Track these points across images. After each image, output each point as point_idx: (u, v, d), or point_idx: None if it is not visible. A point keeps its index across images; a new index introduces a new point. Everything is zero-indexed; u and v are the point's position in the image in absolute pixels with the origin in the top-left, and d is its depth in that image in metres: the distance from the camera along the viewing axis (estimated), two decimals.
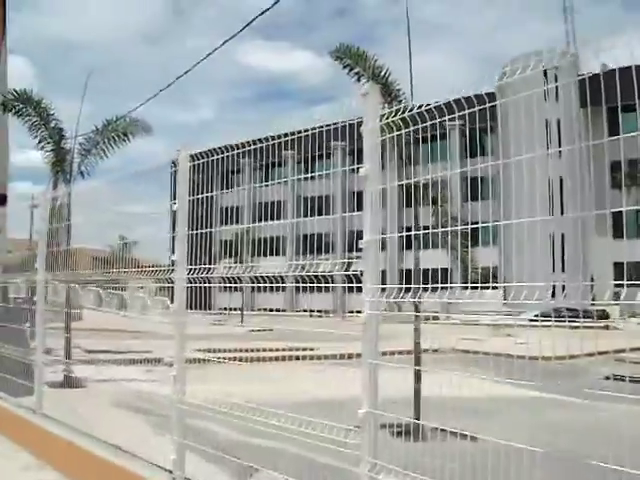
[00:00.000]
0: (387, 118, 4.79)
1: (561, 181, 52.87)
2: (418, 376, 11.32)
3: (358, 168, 4.56)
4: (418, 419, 11.84)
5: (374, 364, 4.47)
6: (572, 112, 54.12)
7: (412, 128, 4.88)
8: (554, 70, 53.78)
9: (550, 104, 53.37)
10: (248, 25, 15.62)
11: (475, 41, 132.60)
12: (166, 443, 5.88)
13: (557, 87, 53.77)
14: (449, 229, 14.41)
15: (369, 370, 4.46)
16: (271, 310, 55.87)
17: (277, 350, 20.28)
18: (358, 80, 12.91)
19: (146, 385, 5.95)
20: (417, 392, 11.03)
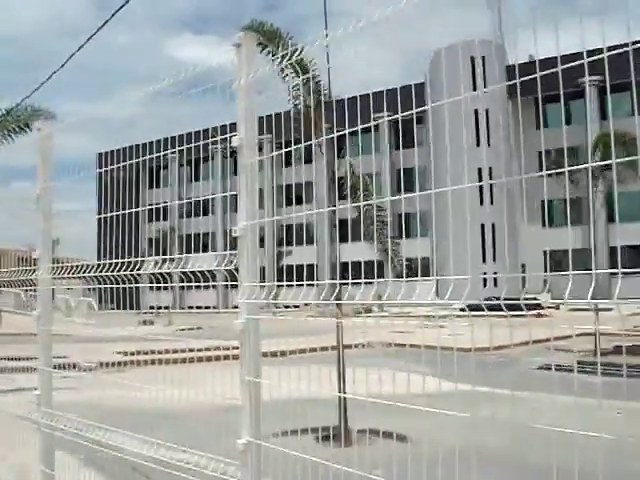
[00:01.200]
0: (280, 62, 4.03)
1: (490, 171, 53.82)
2: (342, 375, 10.60)
3: (231, 138, 3.83)
4: (345, 421, 11.69)
5: (254, 383, 3.61)
6: (500, 102, 55.12)
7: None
8: (482, 60, 54.71)
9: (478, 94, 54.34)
10: (115, 14, 14.89)
11: (401, 32, 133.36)
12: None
13: (485, 77, 54.66)
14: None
15: (249, 390, 3.61)
16: (199, 307, 55.41)
17: (201, 350, 20.11)
18: (273, 60, 12.20)
19: (55, 394, 5.66)
20: (342, 392, 10.25)
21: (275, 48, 11.11)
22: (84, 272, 5.09)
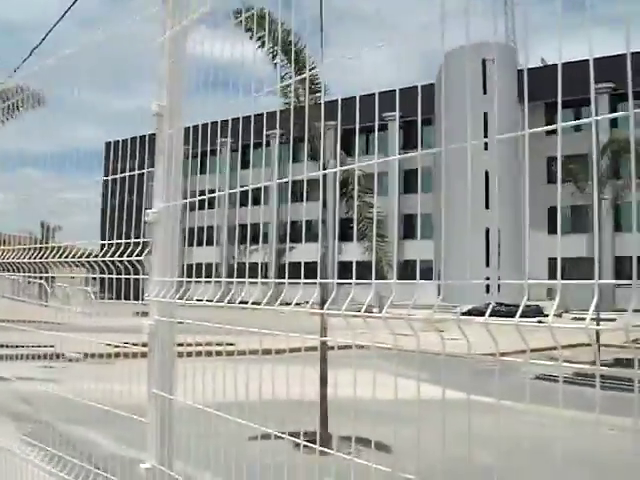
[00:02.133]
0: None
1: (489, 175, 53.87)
2: (324, 378, 10.34)
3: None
4: (325, 427, 11.56)
5: (164, 398, 2.98)
6: (510, 106, 55.17)
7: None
8: (493, 62, 54.65)
9: (489, 97, 54.24)
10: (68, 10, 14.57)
11: (414, 36, 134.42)
12: None
13: (495, 80, 54.70)
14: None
15: (156, 405, 3.00)
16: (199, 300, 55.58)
17: (188, 345, 20.13)
18: (262, 47, 11.10)
19: (38, 385, 5.64)
20: (323, 397, 10.03)
21: (266, 34, 10.22)
22: (73, 257, 4.91)
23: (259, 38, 11.58)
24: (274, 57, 11.00)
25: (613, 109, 55.08)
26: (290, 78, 11.44)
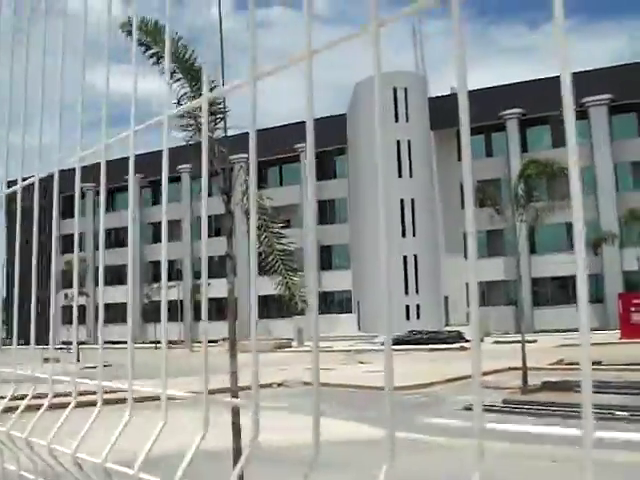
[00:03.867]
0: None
1: (413, 202, 54.72)
2: (236, 430, 9.33)
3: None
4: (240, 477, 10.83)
5: None
6: (422, 133, 56.28)
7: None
8: (404, 91, 55.74)
9: (401, 125, 55.25)
10: None
11: (324, 66, 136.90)
12: None
13: (407, 108, 55.77)
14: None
15: None
16: (114, 342, 54.33)
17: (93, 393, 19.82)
18: (157, 63, 10.51)
19: None
20: (237, 451, 9.18)
21: (162, 51, 9.07)
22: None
23: (153, 55, 11.08)
24: (172, 74, 10.24)
25: (523, 134, 56.86)
26: (189, 98, 11.36)
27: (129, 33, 9.52)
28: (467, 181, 0.76)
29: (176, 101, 10.67)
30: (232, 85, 1.29)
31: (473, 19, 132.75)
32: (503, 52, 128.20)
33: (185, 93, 10.72)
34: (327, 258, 63.84)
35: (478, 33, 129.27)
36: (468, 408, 19.20)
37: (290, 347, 47.13)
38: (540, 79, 52.79)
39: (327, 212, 64.62)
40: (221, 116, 10.88)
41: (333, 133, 60.69)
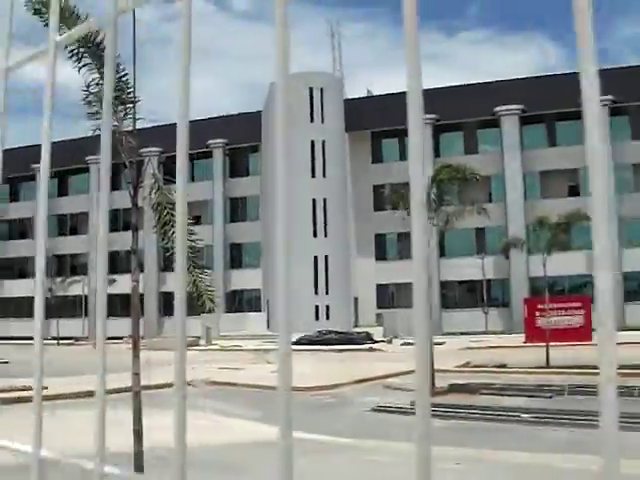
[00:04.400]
0: None
1: (325, 202, 55.00)
2: (138, 418, 8.97)
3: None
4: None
5: None
6: (337, 134, 56.60)
7: None
8: (320, 92, 55.96)
9: (316, 126, 55.44)
10: None
11: (242, 66, 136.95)
12: None
13: (323, 109, 55.99)
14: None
15: None
16: (13, 338, 52.72)
17: None
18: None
19: None
20: (138, 455, 8.83)
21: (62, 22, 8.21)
22: None
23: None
24: (80, 59, 10.10)
25: (436, 139, 57.82)
26: (99, 85, 11.04)
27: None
28: (416, 184, 0.75)
29: (85, 87, 10.43)
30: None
31: (393, 24, 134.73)
32: (421, 58, 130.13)
33: (94, 79, 10.43)
34: (237, 256, 63.56)
35: (396, 38, 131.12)
36: (376, 409, 19.42)
37: (198, 345, 46.71)
38: (454, 86, 53.91)
39: (239, 209, 64.33)
40: (131, 106, 10.65)
41: (248, 130, 60.48)
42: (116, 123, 10.32)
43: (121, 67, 10.39)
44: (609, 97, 54.74)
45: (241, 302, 60.80)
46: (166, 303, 61.49)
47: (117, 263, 47.62)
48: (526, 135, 57.32)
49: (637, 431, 15.77)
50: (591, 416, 16.94)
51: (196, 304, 11.36)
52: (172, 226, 11.39)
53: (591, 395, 20.31)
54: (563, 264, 46.68)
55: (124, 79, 10.53)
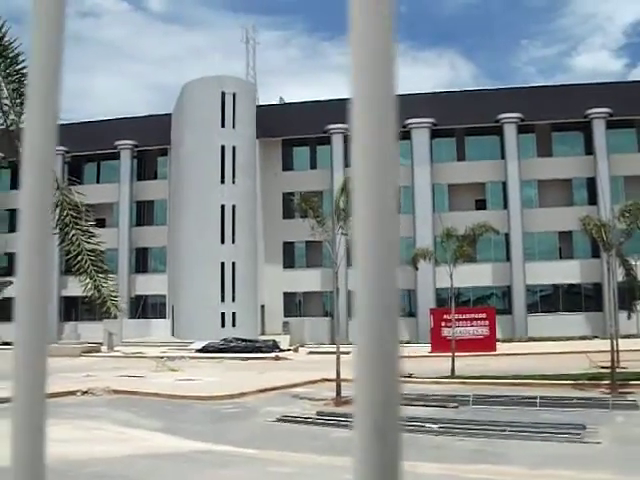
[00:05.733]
0: None
1: (234, 209, 54.73)
2: None
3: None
4: None
5: None
6: (248, 140, 56.44)
7: None
8: (232, 97, 55.74)
9: (227, 131, 55.14)
10: None
11: (155, 67, 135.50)
12: None
13: (234, 114, 55.72)
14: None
15: None
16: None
17: None
18: None
19: None
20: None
21: None
22: None
23: None
24: None
25: (347, 148, 58.24)
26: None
27: None
28: (389, 189, 0.76)
29: None
30: None
31: (307, 33, 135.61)
32: (334, 69, 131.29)
33: None
34: (143, 261, 62.58)
35: (310, 46, 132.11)
36: (281, 419, 19.38)
37: (99, 352, 45.81)
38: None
39: (146, 213, 63.39)
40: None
41: (158, 132, 59.72)
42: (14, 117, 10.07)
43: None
44: (518, 115, 56.44)
45: (145, 308, 59.84)
46: (67, 308, 60.08)
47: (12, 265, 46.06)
48: (436, 148, 58.46)
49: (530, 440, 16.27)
50: (496, 426, 17.40)
51: (99, 309, 11.11)
52: (73, 227, 11.10)
53: (496, 405, 20.84)
54: (469, 275, 47.81)
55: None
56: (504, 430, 16.93)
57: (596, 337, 47.61)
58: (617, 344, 26.78)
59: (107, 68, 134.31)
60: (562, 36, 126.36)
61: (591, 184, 55.67)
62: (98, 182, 63.22)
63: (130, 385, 25.46)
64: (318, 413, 19.75)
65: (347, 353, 24.62)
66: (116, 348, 46.77)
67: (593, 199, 53.33)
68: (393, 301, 0.85)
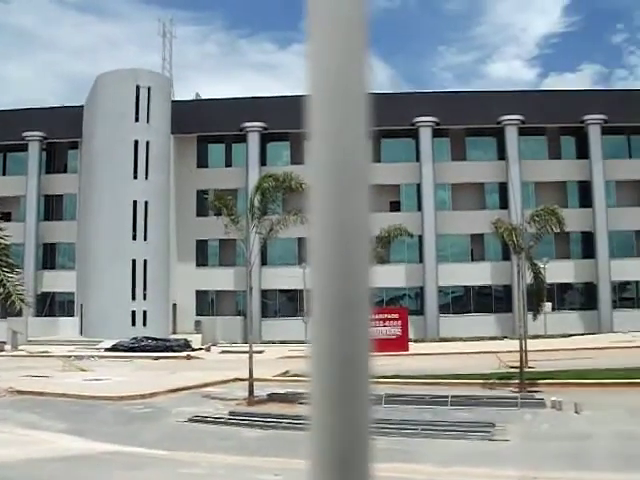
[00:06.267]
0: None
1: (146, 205, 53.94)
2: None
3: None
4: None
5: None
6: (162, 136, 55.73)
7: None
8: (147, 91, 54.95)
9: (141, 125, 54.32)
10: None
11: (68, 57, 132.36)
12: None
13: (149, 108, 54.91)
14: None
15: None
16: None
17: None
18: None
19: None
20: None
21: None
22: None
23: None
24: None
25: (263, 148, 58.18)
26: None
27: None
28: (362, 186, 0.75)
29: None
30: None
31: (225, 30, 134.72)
32: (250, 66, 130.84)
33: None
34: (51, 257, 61.07)
35: (228, 44, 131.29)
36: (192, 419, 19.21)
37: (2, 351, 44.52)
38: (282, 96, 54.36)
39: (54, 208, 61.87)
40: None
41: (69, 125, 58.35)
42: None
43: None
44: (434, 119, 57.41)
45: (53, 306, 58.41)
46: None
47: None
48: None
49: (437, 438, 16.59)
50: (408, 425, 17.66)
51: (2, 305, 10.81)
52: None
53: (408, 404, 21.14)
54: (383, 276, 48.34)
55: None
56: (416, 429, 17.20)
57: (506, 337, 48.80)
58: (526, 344, 27.55)
59: (17, 56, 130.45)
60: (478, 44, 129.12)
61: (503, 189, 57.08)
62: (4, 174, 61.46)
63: (35, 385, 24.83)
64: (230, 413, 19.66)
65: (260, 352, 24.60)
66: (21, 347, 45.50)
67: (505, 203, 54.72)
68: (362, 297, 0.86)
